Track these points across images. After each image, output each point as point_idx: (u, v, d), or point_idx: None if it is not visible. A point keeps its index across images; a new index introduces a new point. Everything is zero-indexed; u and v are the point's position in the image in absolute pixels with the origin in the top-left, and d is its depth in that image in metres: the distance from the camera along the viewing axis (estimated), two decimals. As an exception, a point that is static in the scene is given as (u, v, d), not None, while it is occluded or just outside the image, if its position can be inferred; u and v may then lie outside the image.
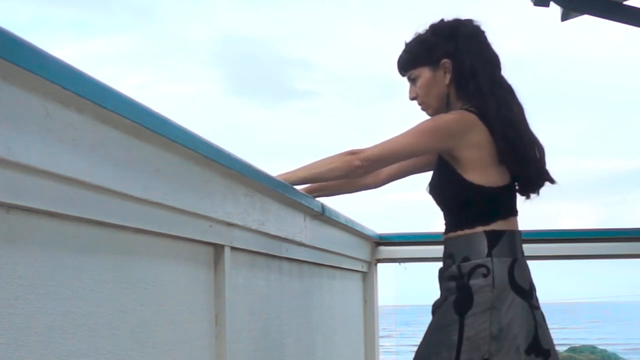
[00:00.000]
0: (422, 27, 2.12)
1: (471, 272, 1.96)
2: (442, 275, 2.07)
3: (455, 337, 1.94)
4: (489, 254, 1.97)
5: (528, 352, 1.94)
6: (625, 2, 4.02)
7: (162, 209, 1.35)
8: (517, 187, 2.08)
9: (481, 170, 1.99)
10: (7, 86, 0.92)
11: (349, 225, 2.75)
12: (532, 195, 2.10)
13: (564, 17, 4.17)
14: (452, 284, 2.00)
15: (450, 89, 2.07)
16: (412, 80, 2.12)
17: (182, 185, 1.41)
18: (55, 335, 1.06)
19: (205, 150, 1.44)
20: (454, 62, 2.05)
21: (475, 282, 1.95)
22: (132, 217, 1.26)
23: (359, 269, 3.29)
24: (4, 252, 0.96)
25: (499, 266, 1.96)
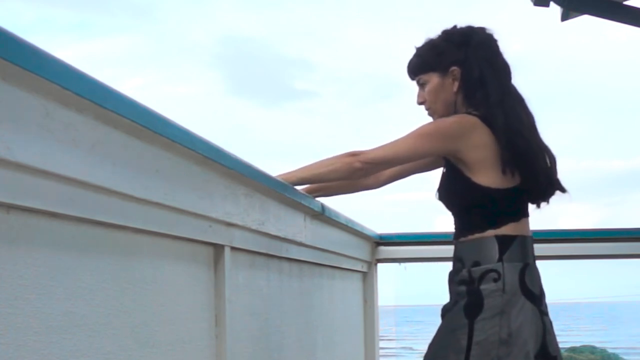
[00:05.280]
0: (434, 32, 2.12)
1: (482, 277, 1.94)
2: (452, 279, 2.05)
3: (464, 341, 1.92)
4: (500, 259, 1.95)
5: (537, 357, 1.93)
6: (625, 2, 4.02)
7: (162, 209, 1.35)
8: (527, 192, 2.06)
9: (488, 172, 1.97)
10: (7, 86, 0.92)
11: (349, 225, 2.75)
12: (542, 204, 2.08)
13: (564, 17, 4.17)
14: (463, 288, 1.98)
15: (458, 97, 2.06)
16: (421, 85, 2.12)
17: (182, 185, 1.41)
18: (55, 335, 1.06)
19: (205, 150, 1.44)
20: (463, 70, 2.04)
21: (486, 287, 1.93)
22: (132, 217, 1.26)
23: (359, 269, 3.29)
24: (4, 252, 0.96)
25: (510, 271, 1.94)
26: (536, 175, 2.02)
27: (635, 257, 3.46)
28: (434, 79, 2.08)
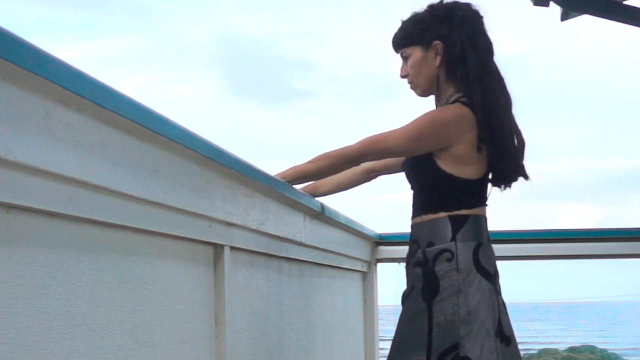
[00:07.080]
0: (421, 6, 2.12)
1: (436, 258, 1.97)
2: (409, 262, 2.08)
3: (425, 325, 1.94)
4: (454, 239, 1.97)
5: (496, 335, 1.94)
6: (625, 2, 4.02)
7: (162, 209, 1.35)
8: (490, 179, 2.07)
9: (458, 164, 1.99)
10: (7, 86, 0.92)
11: (349, 225, 2.75)
12: (505, 188, 2.10)
13: (564, 17, 4.17)
14: (419, 270, 2.00)
15: (440, 72, 2.07)
16: (405, 59, 2.13)
17: (182, 185, 1.42)
18: (55, 335, 1.06)
19: (205, 150, 1.44)
20: (446, 45, 2.05)
21: (440, 268, 1.96)
22: (132, 217, 1.26)
23: (359, 269, 3.29)
24: (4, 252, 0.96)
25: (464, 250, 1.96)
26: (503, 158, 2.03)
27: (635, 257, 3.46)
28: (417, 52, 2.09)
